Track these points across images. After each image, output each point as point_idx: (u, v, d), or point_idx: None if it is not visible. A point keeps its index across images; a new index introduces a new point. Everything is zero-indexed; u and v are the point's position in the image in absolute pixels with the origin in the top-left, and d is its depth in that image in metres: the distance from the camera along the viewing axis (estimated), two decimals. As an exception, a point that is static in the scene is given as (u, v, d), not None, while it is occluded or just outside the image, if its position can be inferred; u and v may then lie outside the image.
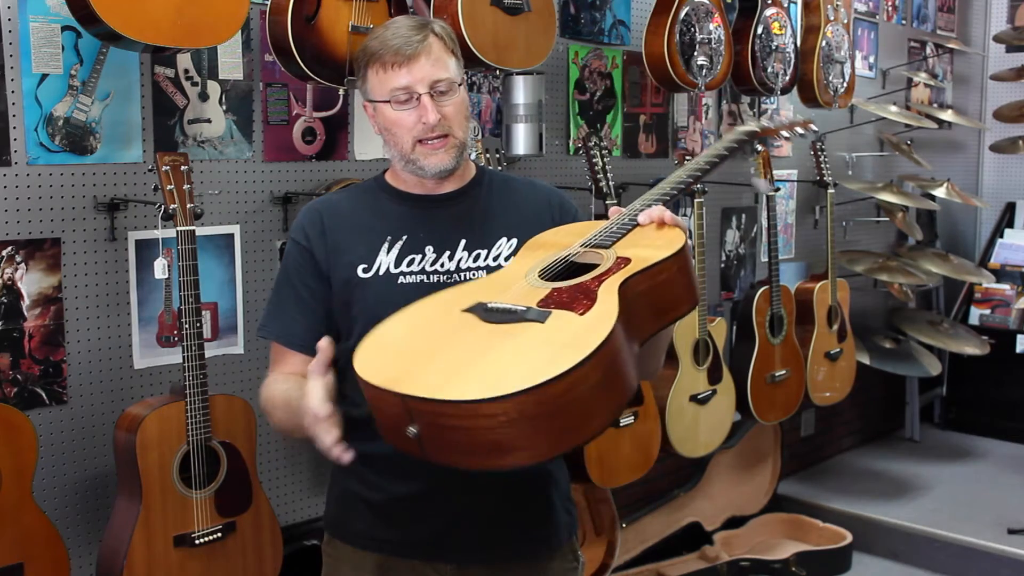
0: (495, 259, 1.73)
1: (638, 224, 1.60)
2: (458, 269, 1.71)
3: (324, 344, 1.49)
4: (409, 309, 1.52)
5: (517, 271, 1.58)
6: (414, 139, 1.69)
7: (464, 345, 1.37)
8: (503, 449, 1.27)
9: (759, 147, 3.90)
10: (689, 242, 1.55)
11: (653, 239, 1.56)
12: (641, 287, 1.45)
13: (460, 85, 1.71)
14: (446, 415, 1.26)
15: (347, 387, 1.54)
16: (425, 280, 1.69)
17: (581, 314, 1.37)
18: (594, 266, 1.52)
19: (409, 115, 1.67)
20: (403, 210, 1.76)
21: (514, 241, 1.74)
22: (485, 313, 1.42)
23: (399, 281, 1.69)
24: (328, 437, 1.43)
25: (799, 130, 1.89)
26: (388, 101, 1.68)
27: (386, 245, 1.72)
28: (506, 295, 1.47)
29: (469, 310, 1.44)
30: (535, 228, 1.75)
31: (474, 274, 1.72)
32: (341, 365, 1.55)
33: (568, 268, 1.55)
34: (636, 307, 1.43)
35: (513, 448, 1.27)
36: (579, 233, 1.64)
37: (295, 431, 1.59)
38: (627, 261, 1.49)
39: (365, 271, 1.71)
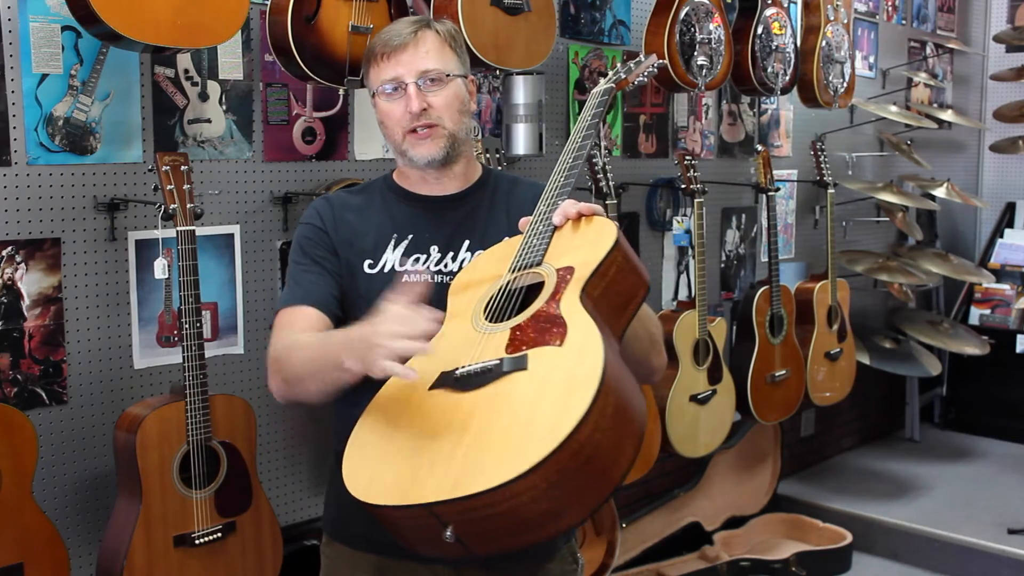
0: None
1: (556, 227, 1.52)
2: (461, 270, 1.71)
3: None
4: (371, 410, 1.41)
5: (460, 325, 1.47)
6: (404, 129, 1.70)
7: (457, 426, 1.26)
8: (553, 515, 1.18)
9: (759, 147, 3.91)
10: (617, 225, 1.47)
11: (581, 237, 1.48)
12: (597, 291, 1.39)
13: (458, 78, 1.71)
14: (481, 507, 1.16)
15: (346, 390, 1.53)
16: (428, 280, 1.69)
17: (559, 345, 1.28)
18: (537, 286, 1.43)
19: (397, 105, 1.69)
20: (410, 210, 1.77)
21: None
22: (457, 383, 1.32)
23: (404, 279, 1.69)
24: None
25: (648, 69, 1.82)
26: (379, 93, 1.71)
27: (392, 243, 1.73)
28: (466, 356, 1.36)
29: (438, 385, 1.34)
30: None
31: None
32: None
33: (510, 299, 1.45)
34: (601, 311, 1.36)
35: (563, 510, 1.18)
36: (500, 258, 1.56)
37: (314, 375, 1.51)
38: (570, 271, 1.41)
39: (371, 267, 1.72)
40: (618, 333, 1.42)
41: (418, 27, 1.70)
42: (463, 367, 1.34)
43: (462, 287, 1.58)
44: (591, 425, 1.16)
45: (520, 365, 1.28)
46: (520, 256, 1.52)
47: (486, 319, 1.44)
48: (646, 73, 1.80)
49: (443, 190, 1.78)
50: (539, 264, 1.48)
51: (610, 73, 1.83)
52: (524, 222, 1.60)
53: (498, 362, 1.31)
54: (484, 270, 1.58)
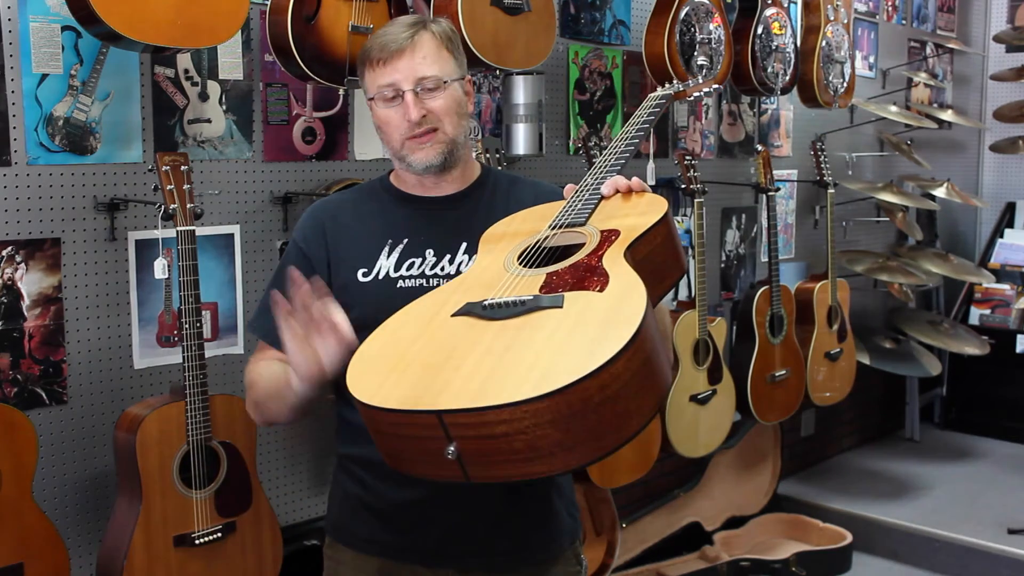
0: None
1: (603, 197, 1.53)
2: (458, 273, 1.69)
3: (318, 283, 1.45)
4: (385, 328, 1.38)
5: (491, 267, 1.44)
6: (402, 136, 1.69)
7: (480, 348, 1.21)
8: (562, 448, 1.13)
9: (759, 147, 3.90)
10: (665, 205, 1.47)
11: (630, 208, 1.48)
12: (641, 254, 1.36)
13: (454, 82, 1.69)
14: (494, 423, 1.11)
15: (348, 393, 1.53)
16: (424, 284, 1.68)
17: (600, 291, 1.25)
18: (576, 246, 1.41)
19: (395, 113, 1.68)
20: (405, 212, 1.75)
21: None
22: (485, 311, 1.28)
23: (398, 285, 1.68)
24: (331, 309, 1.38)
25: (706, 89, 1.90)
26: (376, 99, 1.69)
27: (387, 249, 1.71)
28: (496, 290, 1.33)
29: (462, 313, 1.31)
30: None
31: None
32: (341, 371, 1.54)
33: (547, 254, 1.43)
34: (641, 275, 1.31)
35: (573, 445, 1.14)
36: (540, 217, 1.55)
37: (272, 396, 1.62)
38: (616, 232, 1.39)
39: (365, 275, 1.70)
40: (652, 303, 1.37)
41: (414, 30, 1.68)
42: (492, 299, 1.30)
43: (496, 237, 1.56)
44: (621, 366, 1.13)
45: (556, 303, 1.25)
46: (562, 215, 1.50)
47: (520, 265, 1.40)
48: (703, 92, 1.88)
49: (440, 191, 1.76)
50: (582, 225, 1.46)
51: (676, 82, 1.89)
52: (569, 189, 1.61)
53: (532, 297, 1.28)
54: (522, 225, 1.55)
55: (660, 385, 1.22)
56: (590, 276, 1.30)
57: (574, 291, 1.28)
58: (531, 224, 1.53)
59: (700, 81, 1.92)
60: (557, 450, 1.14)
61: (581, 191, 1.58)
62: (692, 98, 1.90)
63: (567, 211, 1.51)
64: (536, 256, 1.43)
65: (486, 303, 1.30)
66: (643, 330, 1.16)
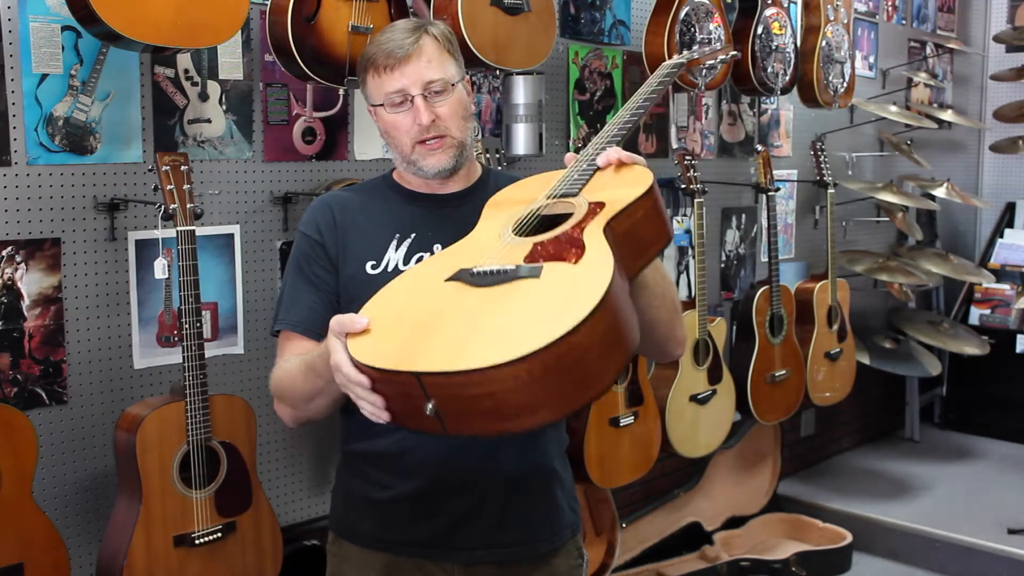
0: None
1: (598, 168, 1.59)
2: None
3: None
4: (389, 288, 1.49)
5: (488, 233, 1.55)
6: (412, 141, 1.70)
7: (463, 313, 1.34)
8: (528, 409, 1.25)
9: (759, 147, 3.90)
10: (653, 174, 1.54)
11: (619, 180, 1.55)
12: (621, 228, 1.45)
13: (458, 84, 1.72)
14: (467, 384, 1.23)
15: None
16: None
17: (575, 263, 1.36)
18: (567, 216, 1.50)
19: (404, 118, 1.69)
20: (412, 209, 1.77)
21: None
22: (472, 278, 1.39)
23: None
24: (369, 398, 1.35)
25: (721, 56, 1.89)
26: (383, 105, 1.70)
27: (395, 242, 1.73)
28: (487, 257, 1.44)
29: (454, 278, 1.41)
30: None
31: None
32: None
33: (541, 222, 1.53)
34: (621, 249, 1.42)
35: (539, 406, 1.25)
36: (540, 186, 1.62)
37: (314, 394, 1.57)
38: (601, 205, 1.48)
39: (373, 267, 1.72)
40: (632, 273, 1.49)
41: (417, 35, 1.69)
42: (481, 267, 1.40)
43: (498, 203, 1.64)
44: (582, 335, 1.23)
45: (534, 273, 1.36)
46: (558, 186, 1.58)
47: (514, 233, 1.50)
48: (719, 60, 1.87)
49: (446, 190, 1.79)
50: (574, 196, 1.54)
51: (685, 51, 1.91)
52: (570, 157, 1.65)
53: (514, 267, 1.38)
54: (523, 193, 1.63)
55: (624, 349, 1.32)
56: (568, 248, 1.40)
57: (552, 262, 1.38)
58: (531, 192, 1.61)
59: (717, 48, 1.90)
60: (523, 411, 1.25)
61: (580, 160, 1.62)
62: (706, 65, 1.89)
63: (563, 181, 1.59)
64: (529, 225, 1.52)
65: (475, 270, 1.40)
66: (606, 302, 1.26)
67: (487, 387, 1.22)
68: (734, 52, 1.92)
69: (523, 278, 1.35)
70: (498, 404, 1.24)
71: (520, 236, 1.49)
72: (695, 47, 1.91)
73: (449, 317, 1.34)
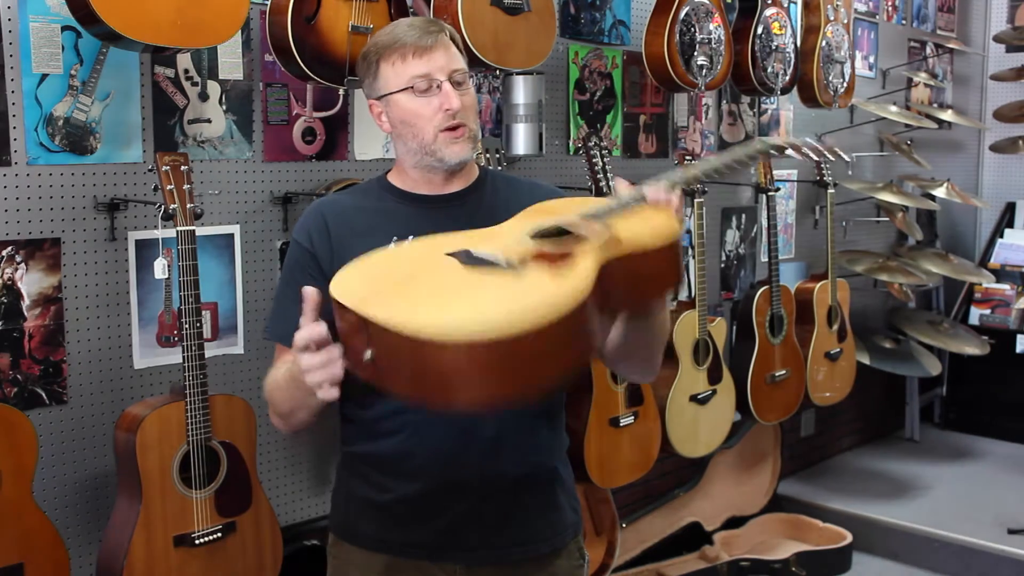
0: None
1: (642, 200, 1.58)
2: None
3: (309, 292, 1.43)
4: (398, 247, 1.54)
5: (512, 229, 1.57)
6: (436, 128, 1.69)
7: (436, 283, 1.40)
8: (447, 389, 1.29)
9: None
10: (684, 232, 1.53)
11: (649, 223, 1.55)
12: (621, 270, 1.45)
13: (472, 81, 1.74)
14: (395, 346, 1.28)
15: (353, 389, 1.54)
16: None
17: (551, 278, 1.38)
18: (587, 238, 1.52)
19: (429, 103, 1.68)
20: (409, 210, 1.76)
21: None
22: (466, 258, 1.43)
23: None
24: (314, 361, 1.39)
25: (828, 156, 1.81)
26: (407, 89, 1.68)
27: (393, 245, 1.72)
28: (491, 246, 1.46)
29: (453, 254, 1.45)
30: None
31: None
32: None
33: (560, 234, 1.54)
34: (613, 286, 1.43)
35: (457, 390, 1.29)
36: (584, 204, 1.63)
37: (298, 406, 1.60)
38: (617, 241, 1.48)
39: None
40: (619, 311, 1.52)
41: (439, 27, 1.70)
42: (480, 251, 1.44)
43: (536, 210, 1.65)
44: (514, 345, 1.25)
45: (514, 269, 1.40)
46: (595, 209, 1.58)
47: (530, 236, 1.53)
48: (821, 156, 1.79)
49: (444, 190, 1.77)
50: (605, 221, 1.56)
51: (779, 139, 1.85)
52: (621, 183, 1.65)
53: (503, 259, 1.42)
54: (564, 207, 1.65)
55: (558, 372, 1.34)
56: (560, 264, 1.42)
57: (538, 266, 1.41)
58: (574, 207, 1.62)
59: (821, 147, 1.78)
60: (438, 390, 1.29)
61: (630, 191, 1.61)
62: (800, 156, 1.80)
63: (604, 206, 1.60)
64: (549, 234, 1.53)
65: (473, 252, 1.44)
66: (548, 328, 1.28)
67: (410, 354, 1.28)
68: (846, 158, 1.83)
69: (503, 270, 1.39)
70: (418, 374, 1.29)
71: (533, 239, 1.51)
72: (801, 141, 1.79)
73: (426, 282, 1.40)
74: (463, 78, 1.69)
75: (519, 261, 1.42)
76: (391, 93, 1.70)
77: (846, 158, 1.79)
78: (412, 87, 1.67)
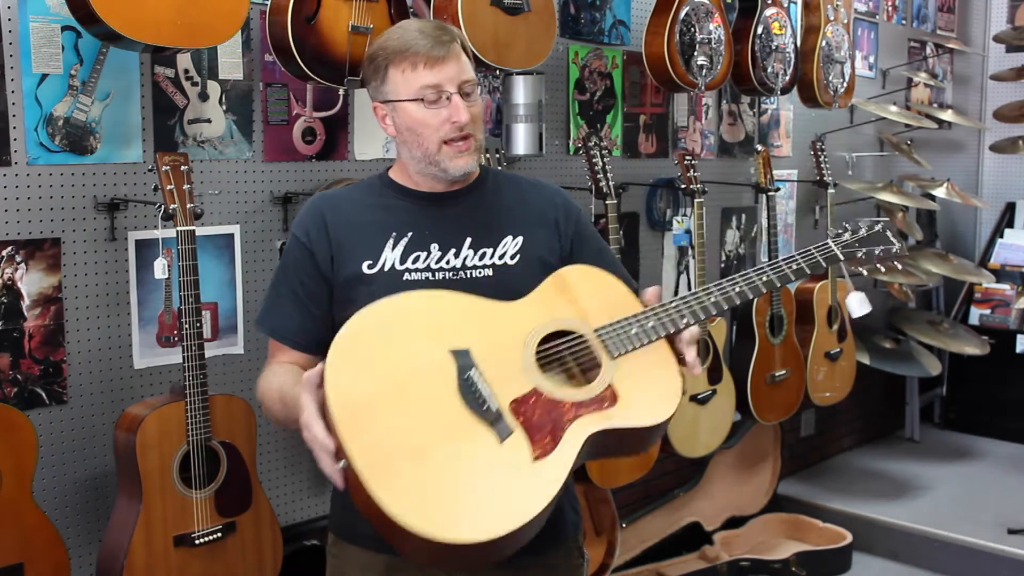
0: (500, 257, 1.73)
1: (668, 336, 1.59)
2: (464, 267, 1.71)
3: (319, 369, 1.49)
4: (404, 300, 1.56)
5: (527, 317, 1.58)
6: (440, 140, 1.69)
7: (424, 428, 1.43)
8: (400, 545, 1.41)
9: (759, 147, 3.91)
10: (679, 402, 1.54)
11: (652, 381, 1.55)
12: (607, 439, 1.50)
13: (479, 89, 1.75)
14: (363, 499, 1.38)
15: None
16: (430, 277, 1.69)
17: (537, 458, 1.42)
18: (593, 366, 1.54)
19: (437, 114, 1.67)
20: (408, 207, 1.76)
21: (520, 239, 1.74)
22: (463, 384, 1.46)
23: (404, 278, 1.69)
24: (327, 461, 1.45)
25: (889, 265, 1.76)
26: (415, 100, 1.67)
27: (391, 241, 1.72)
28: (494, 364, 1.49)
29: (455, 353, 1.48)
30: (540, 227, 1.75)
31: (479, 272, 1.71)
32: None
33: (567, 350, 1.57)
34: (597, 447, 1.49)
35: (408, 552, 1.43)
36: (607, 304, 1.61)
37: (288, 423, 1.62)
38: (613, 402, 1.50)
39: (370, 267, 1.70)
40: (596, 458, 1.58)
41: (452, 35, 1.69)
42: (477, 374, 1.48)
43: (564, 287, 1.64)
44: (469, 550, 1.36)
45: (502, 435, 1.44)
46: (614, 329, 1.58)
47: (536, 346, 1.55)
48: (881, 265, 1.75)
49: (444, 188, 1.77)
50: (613, 358, 1.56)
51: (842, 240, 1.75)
52: (653, 294, 1.64)
53: (495, 412, 1.46)
54: (587, 302, 1.62)
55: (514, 547, 1.43)
56: (545, 431, 1.46)
57: (523, 436, 1.45)
58: (593, 304, 1.61)
59: (878, 256, 1.73)
60: (393, 541, 1.41)
61: (659, 313, 1.60)
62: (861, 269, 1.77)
63: (622, 328, 1.58)
64: (556, 351, 1.56)
65: (470, 375, 1.48)
66: (517, 532, 1.38)
67: (382, 521, 1.37)
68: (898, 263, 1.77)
69: (493, 428, 1.44)
70: (381, 526, 1.39)
71: (538, 358, 1.53)
72: (862, 254, 1.75)
73: (413, 420, 1.43)
74: (472, 89, 1.69)
75: (511, 406, 1.46)
76: (399, 100, 1.69)
77: (896, 243, 1.71)
78: (422, 98, 1.67)
